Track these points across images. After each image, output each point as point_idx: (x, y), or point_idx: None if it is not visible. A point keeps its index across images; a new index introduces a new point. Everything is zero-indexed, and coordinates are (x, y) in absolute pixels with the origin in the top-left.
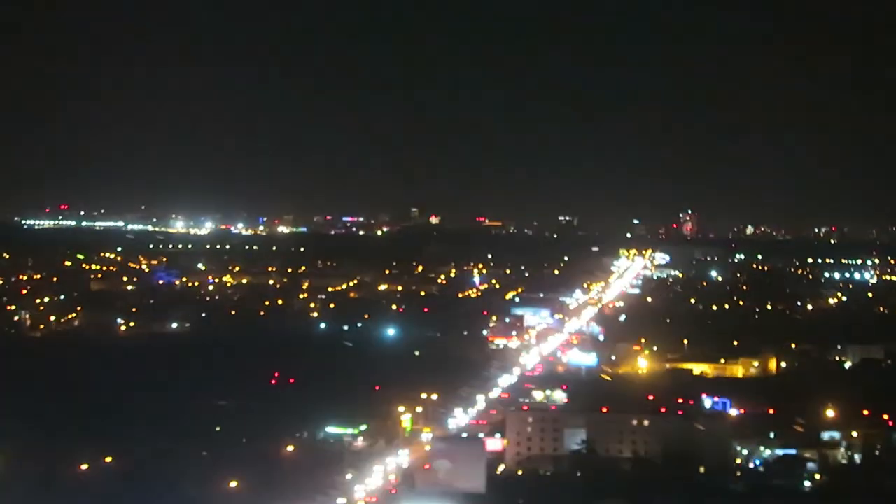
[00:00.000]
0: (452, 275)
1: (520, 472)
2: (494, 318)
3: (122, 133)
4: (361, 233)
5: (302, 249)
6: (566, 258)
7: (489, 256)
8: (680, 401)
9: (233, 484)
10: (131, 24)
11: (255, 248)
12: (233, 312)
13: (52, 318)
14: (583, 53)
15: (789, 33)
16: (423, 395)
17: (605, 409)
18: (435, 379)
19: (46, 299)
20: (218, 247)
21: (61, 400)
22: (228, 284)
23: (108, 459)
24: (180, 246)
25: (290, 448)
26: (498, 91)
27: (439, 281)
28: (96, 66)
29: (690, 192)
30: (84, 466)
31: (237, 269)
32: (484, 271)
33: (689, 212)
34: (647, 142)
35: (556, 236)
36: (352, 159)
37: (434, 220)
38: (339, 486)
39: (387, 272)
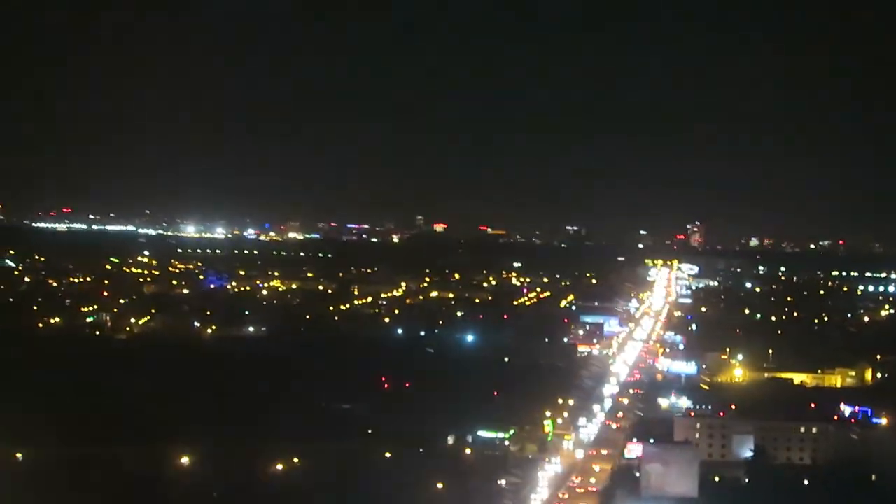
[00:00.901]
0: (493, 282)
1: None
2: (572, 326)
3: (121, 138)
4: (374, 240)
5: (329, 256)
6: (595, 268)
7: (516, 265)
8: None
9: (439, 486)
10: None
11: (282, 253)
12: (307, 317)
13: (132, 320)
14: (587, 65)
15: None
16: (560, 401)
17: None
18: (535, 386)
19: (121, 302)
20: (246, 252)
21: (205, 403)
22: (280, 289)
23: (296, 460)
24: (208, 251)
25: (467, 451)
26: (503, 103)
27: (486, 287)
28: (94, 70)
29: (693, 204)
30: (279, 466)
31: (276, 273)
32: (523, 280)
33: (697, 223)
34: (650, 154)
35: (563, 246)
36: (353, 167)
37: (439, 228)
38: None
39: (428, 279)
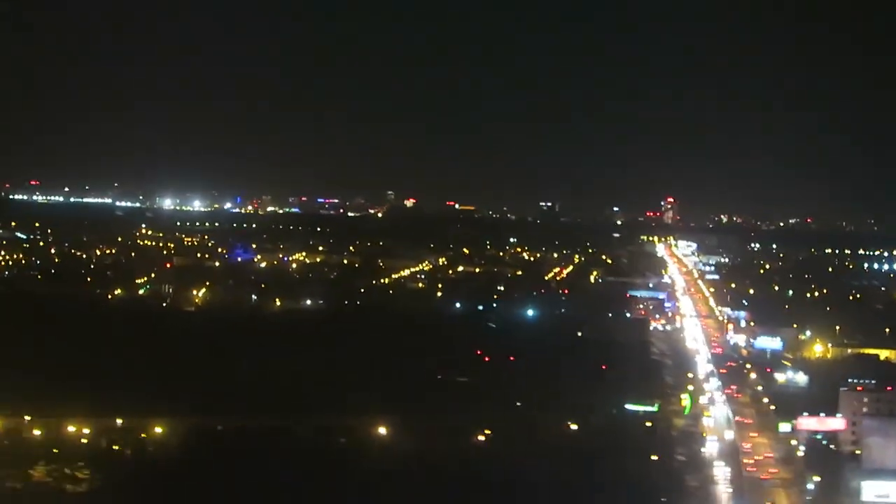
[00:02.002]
0: (506, 257)
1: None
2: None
3: (84, 109)
4: (351, 214)
5: (326, 230)
6: (593, 243)
7: (512, 240)
8: None
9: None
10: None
11: (280, 226)
12: (361, 290)
13: (194, 292)
14: (561, 42)
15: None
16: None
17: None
18: (633, 361)
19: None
20: (240, 225)
21: (351, 375)
22: (307, 262)
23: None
24: (199, 224)
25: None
26: (473, 77)
27: (508, 261)
28: (60, 40)
29: (661, 180)
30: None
31: (282, 245)
32: (532, 255)
33: (671, 200)
34: (617, 130)
35: (538, 222)
36: (318, 142)
37: (409, 203)
38: None
39: (445, 254)
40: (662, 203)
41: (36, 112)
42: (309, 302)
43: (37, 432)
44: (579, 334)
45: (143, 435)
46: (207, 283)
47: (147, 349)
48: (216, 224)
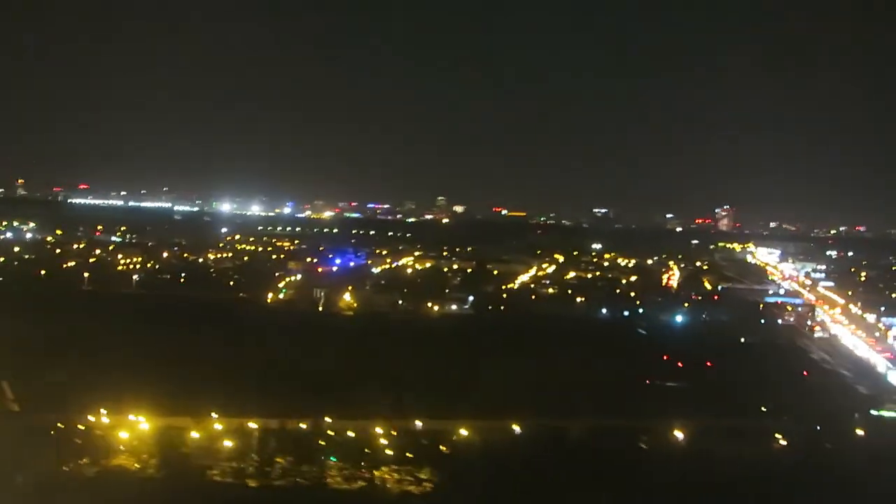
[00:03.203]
0: (605, 262)
1: None
2: (789, 307)
3: (130, 115)
4: (412, 220)
5: (407, 235)
6: (673, 249)
7: (596, 247)
8: None
9: None
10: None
11: (358, 231)
12: (504, 296)
13: (345, 297)
14: (608, 45)
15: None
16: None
17: None
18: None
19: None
20: (326, 230)
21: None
22: (419, 267)
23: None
24: (271, 228)
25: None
26: (522, 81)
27: (616, 267)
28: (105, 49)
29: (709, 188)
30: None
31: (383, 252)
32: (626, 260)
33: (726, 207)
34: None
35: (586, 227)
36: (362, 146)
37: (458, 209)
38: None
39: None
40: (717, 210)
41: (77, 116)
42: (455, 307)
43: (351, 434)
44: (742, 340)
45: (453, 436)
46: (350, 288)
47: (378, 353)
48: (294, 229)
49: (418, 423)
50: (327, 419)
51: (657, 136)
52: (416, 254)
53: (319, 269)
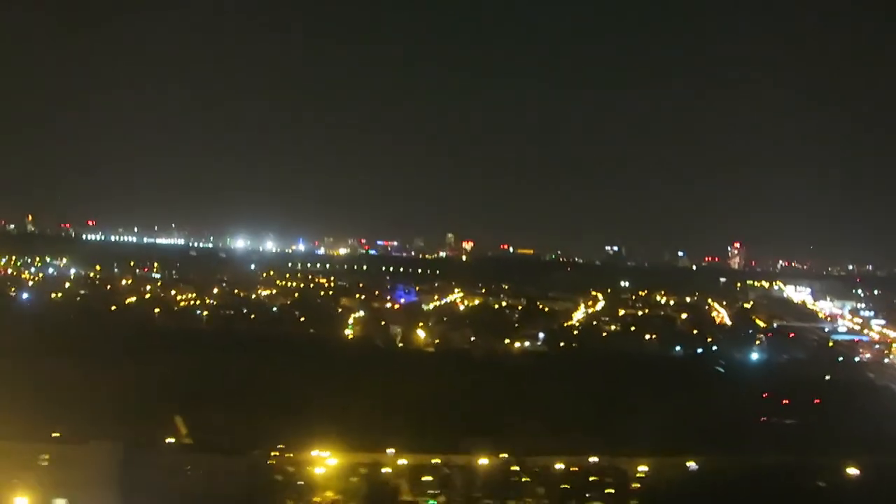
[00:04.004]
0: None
1: None
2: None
3: (135, 152)
4: (429, 257)
5: (436, 272)
6: (701, 287)
7: (624, 284)
8: None
9: None
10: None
11: (390, 268)
12: (575, 333)
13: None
14: (610, 80)
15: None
16: None
17: None
18: None
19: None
20: (356, 267)
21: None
22: (469, 304)
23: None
24: (307, 265)
25: None
26: (516, 119)
27: (659, 304)
28: (109, 86)
29: (719, 225)
30: None
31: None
32: (668, 298)
33: (738, 245)
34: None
35: (599, 265)
36: (365, 183)
37: (467, 245)
38: None
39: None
40: (729, 248)
41: (83, 152)
42: (528, 343)
43: (536, 469)
44: (827, 378)
45: (636, 472)
46: (420, 324)
47: (506, 389)
48: (318, 265)
49: (593, 459)
50: (505, 455)
51: (664, 173)
52: (457, 290)
53: (376, 305)
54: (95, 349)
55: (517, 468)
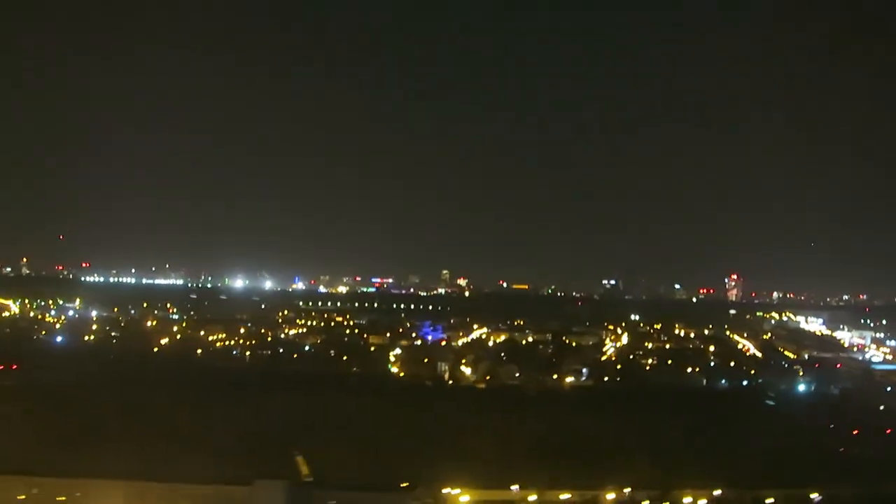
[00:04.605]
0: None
1: None
2: None
3: (125, 194)
4: (435, 293)
5: (447, 308)
6: (712, 319)
7: (634, 317)
8: None
9: None
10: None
11: (401, 305)
12: (619, 367)
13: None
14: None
15: None
16: None
17: None
18: None
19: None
20: (366, 305)
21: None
22: (496, 340)
23: None
24: (312, 303)
25: None
26: (509, 153)
27: (684, 338)
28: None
29: (710, 257)
30: None
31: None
32: (686, 331)
33: (735, 276)
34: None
35: (597, 298)
36: (359, 221)
37: (462, 282)
38: None
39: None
40: (726, 280)
41: (75, 195)
42: (572, 378)
43: None
44: (881, 407)
45: None
46: (463, 360)
47: (605, 425)
48: (325, 303)
49: (717, 492)
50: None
51: (657, 206)
52: (476, 326)
53: (405, 343)
54: (173, 391)
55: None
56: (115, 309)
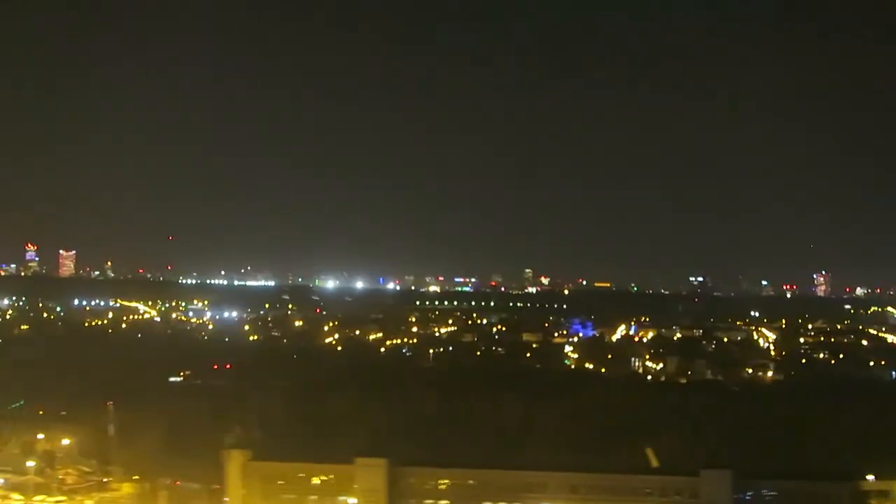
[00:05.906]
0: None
1: None
2: None
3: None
4: (515, 292)
5: (559, 306)
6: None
7: (755, 315)
8: None
9: None
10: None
11: (519, 304)
12: (803, 361)
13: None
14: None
15: None
16: None
17: None
18: None
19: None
20: (483, 304)
21: None
22: (650, 336)
23: None
24: (418, 303)
25: None
26: (580, 152)
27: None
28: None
29: (793, 252)
30: None
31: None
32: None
33: (824, 272)
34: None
35: (684, 294)
36: (431, 220)
37: (544, 280)
38: None
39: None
40: (814, 276)
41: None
42: (761, 372)
43: None
44: None
45: None
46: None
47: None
48: (432, 303)
49: None
50: None
51: (741, 199)
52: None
53: (556, 340)
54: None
55: None
56: (249, 310)
